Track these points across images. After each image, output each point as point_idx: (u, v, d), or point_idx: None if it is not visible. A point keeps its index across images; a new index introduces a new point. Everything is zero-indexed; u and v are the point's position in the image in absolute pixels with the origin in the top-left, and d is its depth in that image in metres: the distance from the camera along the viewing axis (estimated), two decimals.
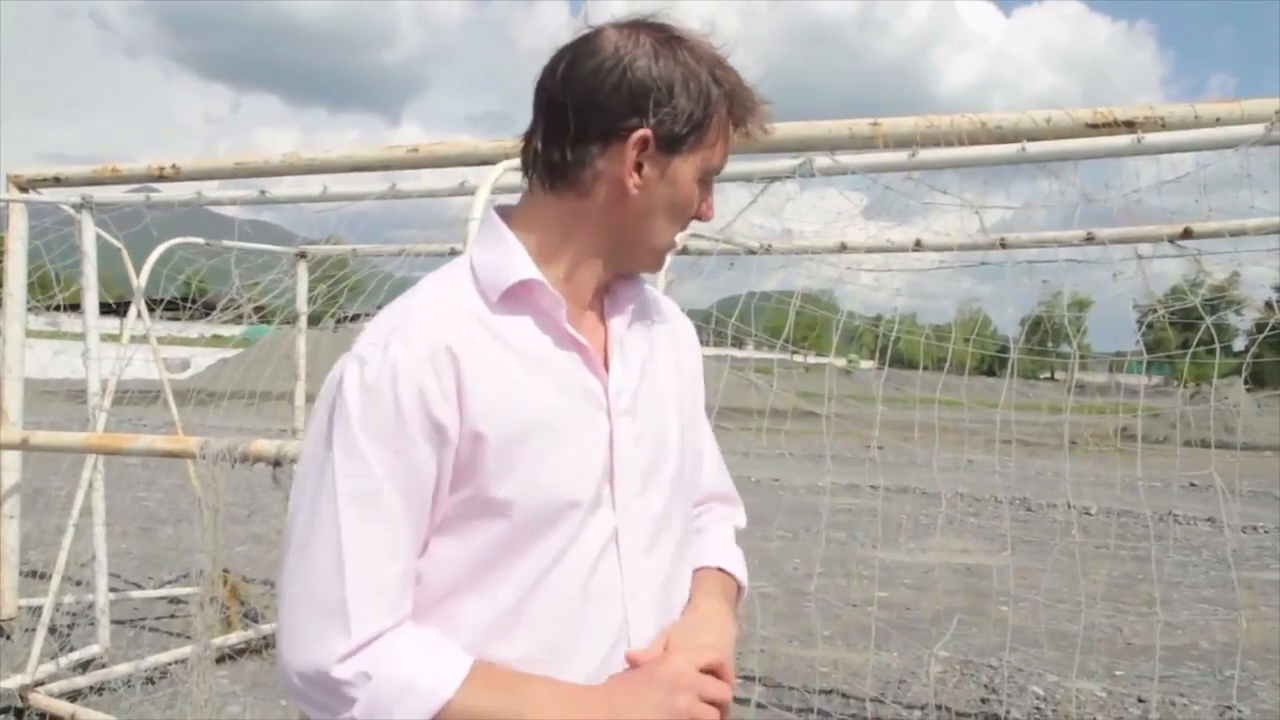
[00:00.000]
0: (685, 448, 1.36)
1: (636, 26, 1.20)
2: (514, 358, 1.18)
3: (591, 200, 1.21)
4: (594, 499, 1.20)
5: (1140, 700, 5.11)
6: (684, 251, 4.22)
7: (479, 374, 1.15)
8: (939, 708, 4.84)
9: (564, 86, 1.19)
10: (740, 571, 1.46)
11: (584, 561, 1.19)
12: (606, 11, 1.23)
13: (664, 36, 1.20)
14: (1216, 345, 3.90)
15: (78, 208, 4.67)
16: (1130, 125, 2.89)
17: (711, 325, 4.12)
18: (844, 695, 4.99)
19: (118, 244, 4.88)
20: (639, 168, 1.19)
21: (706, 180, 1.27)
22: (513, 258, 1.22)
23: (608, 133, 1.18)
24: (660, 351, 1.36)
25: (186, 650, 4.84)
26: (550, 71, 1.21)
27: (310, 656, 1.09)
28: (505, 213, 1.28)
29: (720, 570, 1.42)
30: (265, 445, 2.20)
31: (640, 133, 1.17)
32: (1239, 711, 5.07)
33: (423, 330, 1.15)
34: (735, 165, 3.65)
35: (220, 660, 5.14)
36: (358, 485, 1.11)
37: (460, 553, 1.17)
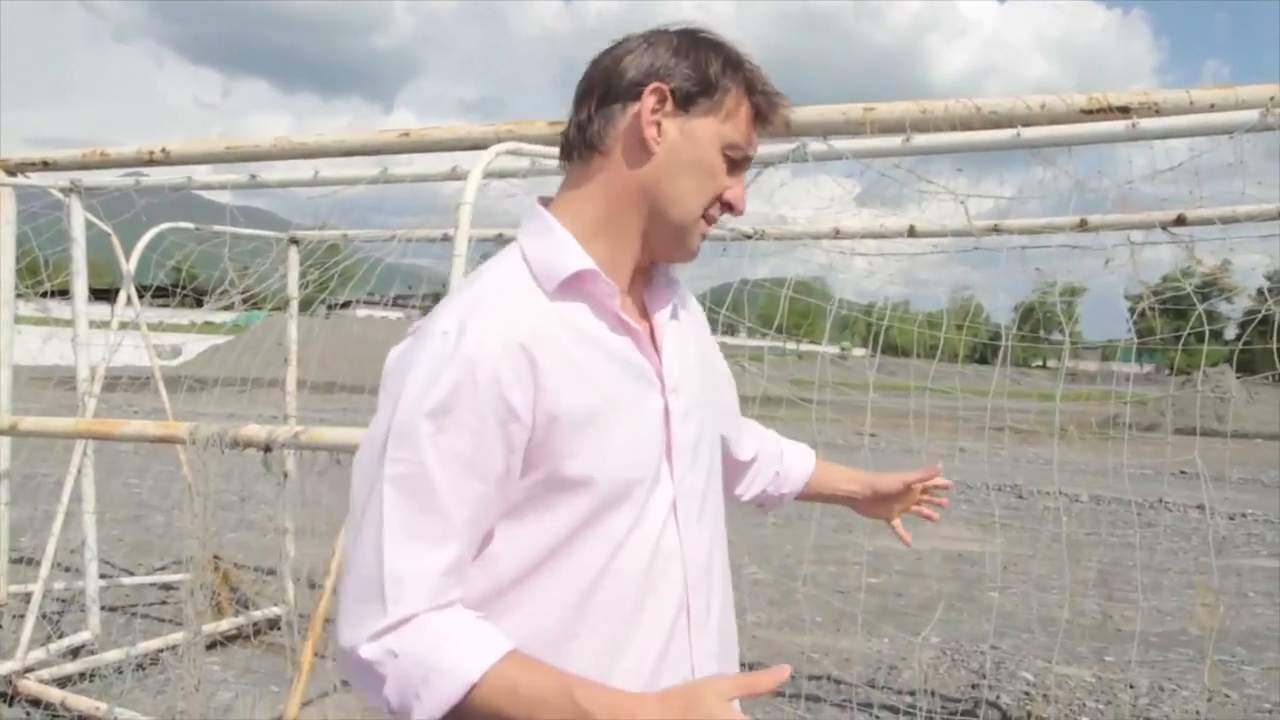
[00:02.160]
0: (714, 425, 1.45)
1: (668, 27, 1.34)
2: (579, 342, 1.24)
3: (615, 161, 1.28)
4: (655, 473, 1.28)
5: (1129, 686, 5.14)
6: None
7: (552, 359, 1.19)
8: (929, 693, 4.86)
9: (594, 64, 1.31)
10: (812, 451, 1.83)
11: (653, 530, 1.27)
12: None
13: (690, 30, 1.32)
14: (1205, 331, 3.90)
15: (66, 192, 4.63)
16: (1125, 111, 2.88)
17: (704, 312, 4.10)
18: (835, 681, 5.01)
19: (107, 229, 4.84)
20: (658, 125, 1.26)
21: (732, 159, 1.31)
22: (563, 247, 1.27)
23: (628, 91, 1.27)
24: (688, 337, 1.43)
25: (177, 637, 4.84)
26: (589, 64, 1.34)
27: (349, 635, 1.12)
28: (546, 202, 1.34)
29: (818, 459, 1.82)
30: (256, 430, 2.19)
31: (655, 84, 1.26)
32: (1226, 696, 5.11)
33: (497, 317, 1.19)
34: None
35: (211, 647, 5.13)
36: (406, 470, 1.13)
37: (534, 535, 1.21)
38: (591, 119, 1.28)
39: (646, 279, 1.39)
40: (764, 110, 1.32)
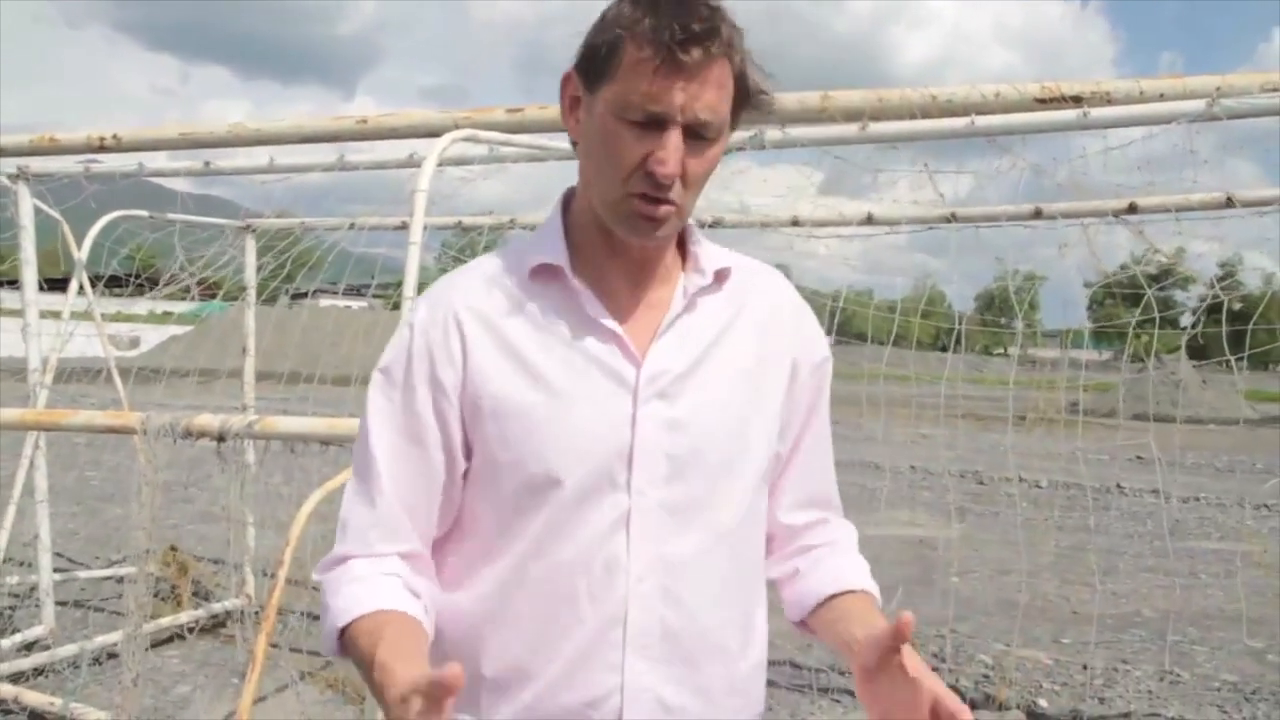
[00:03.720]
0: (755, 438, 1.28)
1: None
2: (529, 334, 1.23)
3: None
4: (603, 478, 1.20)
5: (1084, 667, 5.23)
6: None
7: (486, 344, 1.22)
8: None
9: None
10: (875, 588, 1.38)
11: (590, 536, 1.20)
12: None
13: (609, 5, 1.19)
14: (1156, 317, 3.97)
15: (13, 178, 4.54)
16: (1077, 100, 2.93)
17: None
18: (794, 665, 5.05)
19: (56, 216, 4.75)
20: (575, 113, 1.23)
21: (636, 121, 1.13)
22: (544, 238, 1.27)
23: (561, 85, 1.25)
24: (741, 334, 1.29)
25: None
26: None
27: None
28: (571, 192, 1.32)
29: (867, 593, 1.35)
30: (209, 420, 2.16)
31: (566, 73, 1.22)
32: (1177, 675, 5.22)
33: (450, 294, 1.26)
34: None
35: (170, 640, 5.08)
36: (368, 425, 1.25)
37: (481, 516, 1.25)
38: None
39: (687, 271, 1.28)
40: (659, 52, 1.09)
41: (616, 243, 1.24)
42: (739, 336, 1.29)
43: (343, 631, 1.17)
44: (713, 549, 1.25)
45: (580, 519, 1.21)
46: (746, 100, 1.19)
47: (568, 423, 1.21)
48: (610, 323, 1.23)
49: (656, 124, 1.13)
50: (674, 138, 1.13)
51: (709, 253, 1.30)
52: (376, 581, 1.20)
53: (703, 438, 1.24)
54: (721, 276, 1.29)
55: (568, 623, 1.21)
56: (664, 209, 1.17)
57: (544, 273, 1.25)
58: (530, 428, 1.21)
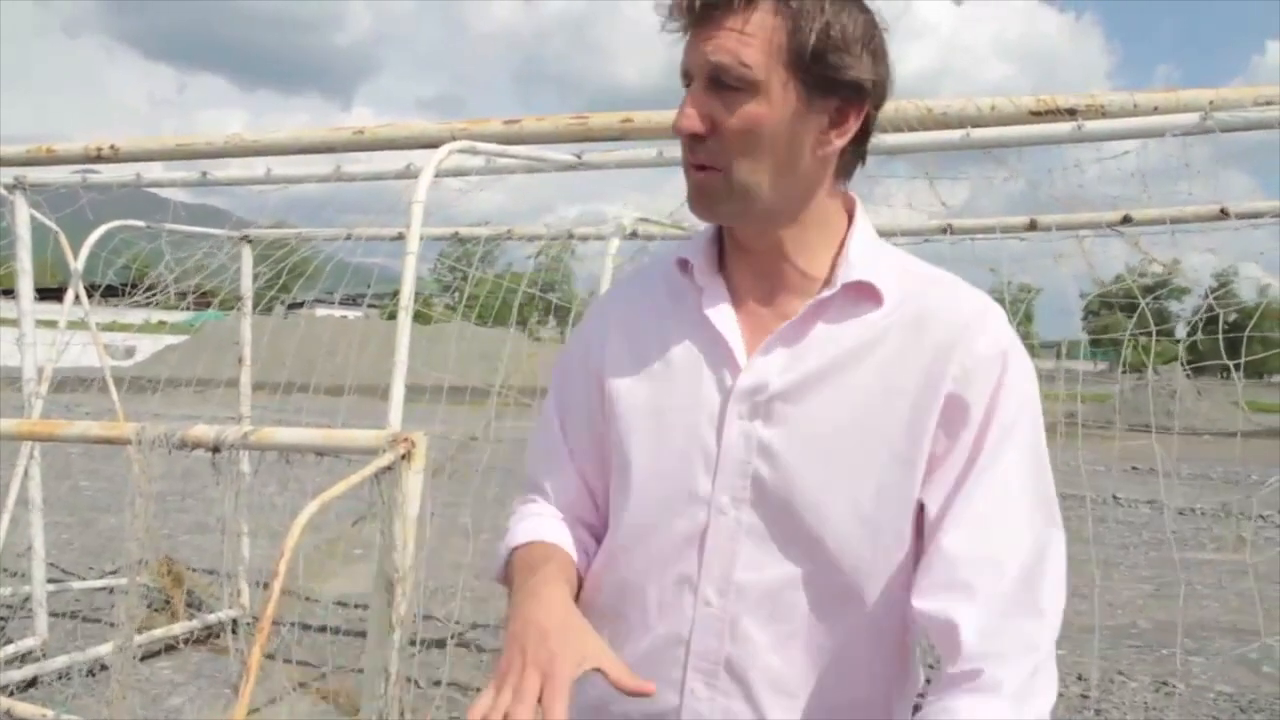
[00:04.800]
0: (866, 481, 1.11)
1: None
2: (652, 326, 1.24)
3: None
4: (681, 486, 1.16)
5: (1080, 678, 5.23)
6: (633, 235, 4.21)
7: (620, 334, 1.26)
8: None
9: None
10: None
11: (663, 545, 1.17)
12: None
13: None
14: (1153, 329, 3.98)
15: (10, 189, 4.54)
16: (1072, 113, 2.94)
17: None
18: None
19: (53, 226, 4.75)
20: None
21: (685, 86, 1.12)
22: (702, 233, 1.26)
23: None
24: (882, 361, 1.13)
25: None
26: None
27: None
28: None
29: None
30: (204, 431, 2.16)
31: None
32: (1173, 687, 5.22)
33: (616, 288, 1.40)
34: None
35: (165, 650, 5.06)
36: (545, 405, 1.36)
37: (610, 500, 1.27)
38: None
39: (829, 284, 1.16)
40: (671, 16, 1.11)
41: (738, 238, 1.20)
42: (877, 362, 1.13)
43: (512, 551, 1.25)
44: (794, 589, 1.13)
45: (662, 524, 1.17)
46: (804, 55, 1.07)
47: (661, 419, 1.18)
48: (722, 325, 1.17)
49: (689, 85, 1.11)
50: (690, 94, 1.10)
51: (857, 260, 1.16)
52: (552, 523, 1.28)
53: (793, 470, 1.12)
54: (860, 291, 1.14)
55: (636, 629, 1.19)
56: (702, 174, 1.11)
57: (684, 267, 1.23)
58: (630, 418, 1.21)
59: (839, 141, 1.12)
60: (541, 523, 1.28)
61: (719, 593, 1.14)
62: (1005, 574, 1.06)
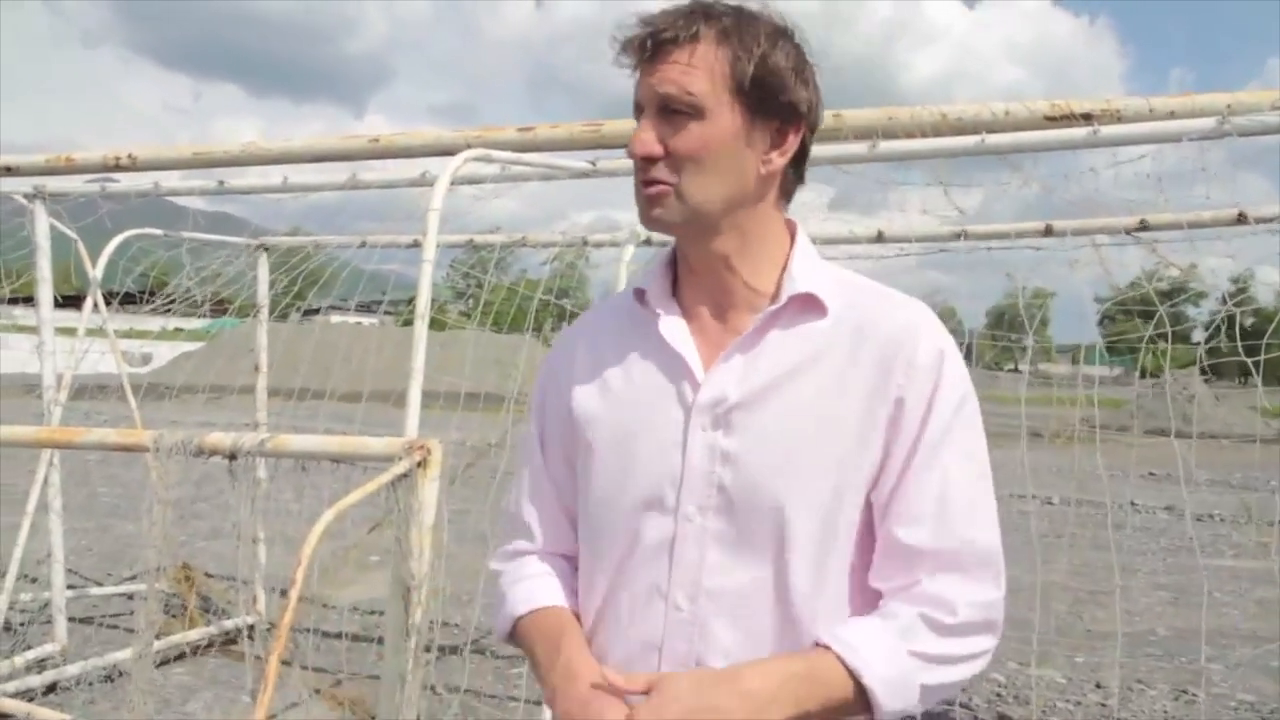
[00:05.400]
0: (823, 482, 1.19)
1: None
2: (613, 354, 1.32)
3: None
4: (650, 500, 1.24)
5: (1098, 686, 5.20)
6: (647, 242, 4.21)
7: (585, 364, 1.34)
8: None
9: None
10: (867, 668, 1.13)
11: (636, 557, 1.25)
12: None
13: None
14: (1169, 334, 3.95)
15: (30, 198, 4.58)
16: (1087, 118, 2.92)
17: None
18: None
19: (72, 235, 4.79)
20: None
21: (637, 116, 1.25)
22: (656, 263, 1.35)
23: None
24: (830, 367, 1.22)
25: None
26: None
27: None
28: None
29: (824, 648, 1.16)
30: (221, 438, 2.17)
31: None
32: (1193, 695, 5.17)
33: (584, 317, 1.45)
34: None
35: (181, 656, 5.08)
36: (524, 438, 1.43)
37: (581, 518, 1.35)
38: None
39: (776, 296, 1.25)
40: (623, 53, 1.23)
41: (689, 260, 1.29)
42: (826, 369, 1.22)
43: (516, 621, 1.33)
44: (761, 590, 1.20)
45: (632, 537, 1.25)
46: (743, 83, 1.19)
47: (626, 441, 1.26)
48: (679, 345, 1.26)
49: (639, 114, 1.24)
50: (642, 121, 1.22)
51: (799, 274, 1.26)
52: (546, 581, 1.36)
53: (755, 474, 1.20)
54: (806, 303, 1.24)
55: (613, 637, 1.27)
56: (653, 188, 1.22)
57: (640, 297, 1.32)
58: (597, 441, 1.29)
59: (780, 160, 1.24)
60: (536, 585, 1.36)
61: (689, 598, 1.21)
62: (951, 557, 1.19)
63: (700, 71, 1.18)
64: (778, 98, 1.21)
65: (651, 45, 1.20)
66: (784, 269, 1.27)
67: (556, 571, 1.37)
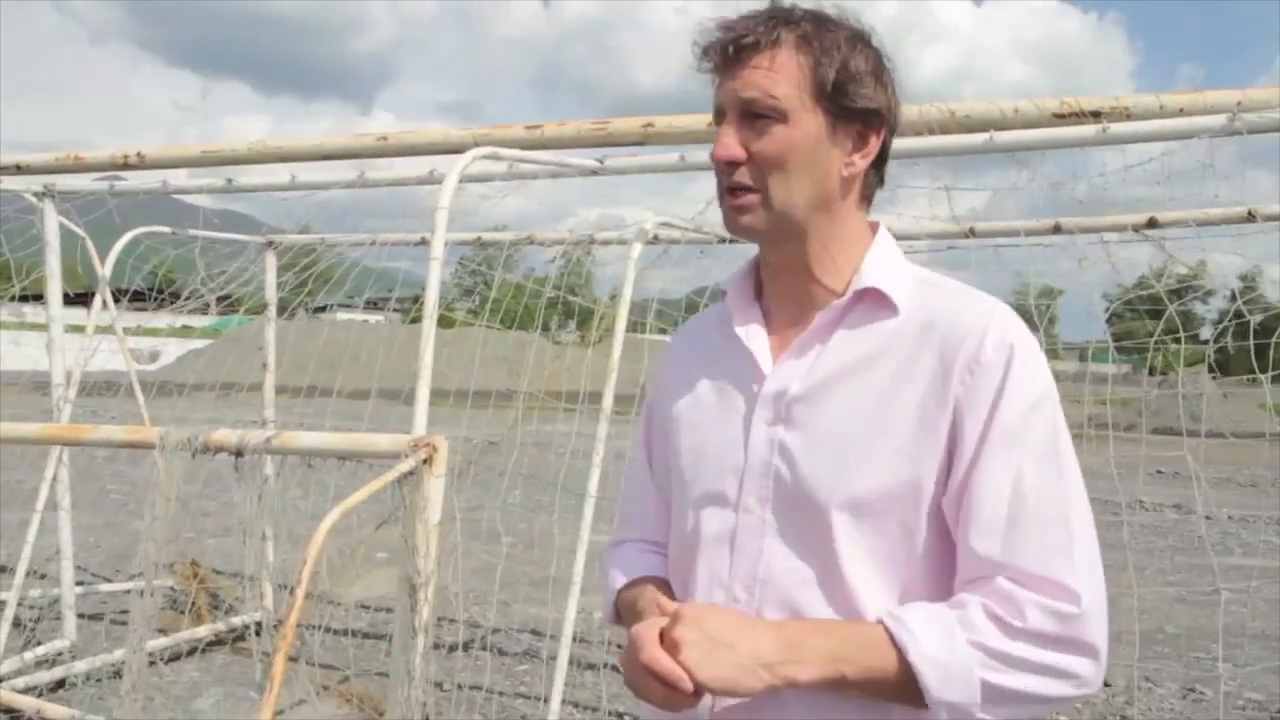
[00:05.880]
0: (883, 478, 1.17)
1: None
2: (700, 351, 1.39)
3: None
4: (714, 492, 1.27)
5: (1106, 684, 5.18)
6: (654, 240, 4.21)
7: (680, 362, 1.41)
8: None
9: None
10: (915, 644, 1.08)
11: (700, 548, 1.28)
12: None
13: None
14: (1181, 333, 3.94)
15: (39, 196, 4.60)
16: (1096, 115, 2.91)
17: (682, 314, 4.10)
18: None
19: (81, 233, 4.81)
20: None
21: (717, 122, 1.25)
22: (739, 270, 1.38)
23: None
24: (895, 365, 1.20)
25: (155, 644, 4.80)
26: None
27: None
28: None
29: (878, 623, 1.13)
30: (227, 435, 2.18)
31: None
32: (1202, 693, 5.16)
33: (681, 328, 1.51)
34: (705, 154, 3.65)
35: (190, 653, 5.10)
36: (635, 439, 1.51)
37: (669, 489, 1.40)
38: None
39: (845, 296, 1.25)
40: (706, 56, 1.24)
41: (771, 262, 1.31)
42: (888, 367, 1.20)
43: (618, 599, 1.40)
44: (812, 583, 1.19)
45: (699, 528, 1.28)
46: (826, 88, 1.19)
47: (698, 434, 1.32)
48: (750, 340, 1.29)
49: (720, 118, 1.24)
50: (724, 126, 1.22)
51: (870, 271, 1.24)
52: (641, 557, 1.43)
53: (808, 468, 1.20)
54: (876, 301, 1.23)
55: None
56: (740, 198, 1.22)
57: (725, 298, 1.37)
58: (678, 438, 1.35)
59: (862, 163, 1.25)
60: (631, 560, 1.44)
61: (746, 589, 1.23)
62: (1028, 570, 1.12)
63: (782, 76, 1.19)
64: (859, 101, 1.21)
65: (733, 50, 1.20)
66: (858, 268, 1.27)
67: (654, 550, 1.43)
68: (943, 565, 1.18)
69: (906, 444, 1.16)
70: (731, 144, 1.20)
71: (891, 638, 1.09)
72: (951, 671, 1.07)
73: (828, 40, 1.20)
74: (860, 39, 1.23)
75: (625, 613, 1.39)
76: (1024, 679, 1.08)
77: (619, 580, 1.42)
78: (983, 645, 1.08)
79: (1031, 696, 1.09)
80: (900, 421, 1.17)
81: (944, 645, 1.08)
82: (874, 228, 1.31)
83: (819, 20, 1.22)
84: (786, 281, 1.29)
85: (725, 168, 1.22)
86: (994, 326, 1.18)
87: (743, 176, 1.21)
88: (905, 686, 1.08)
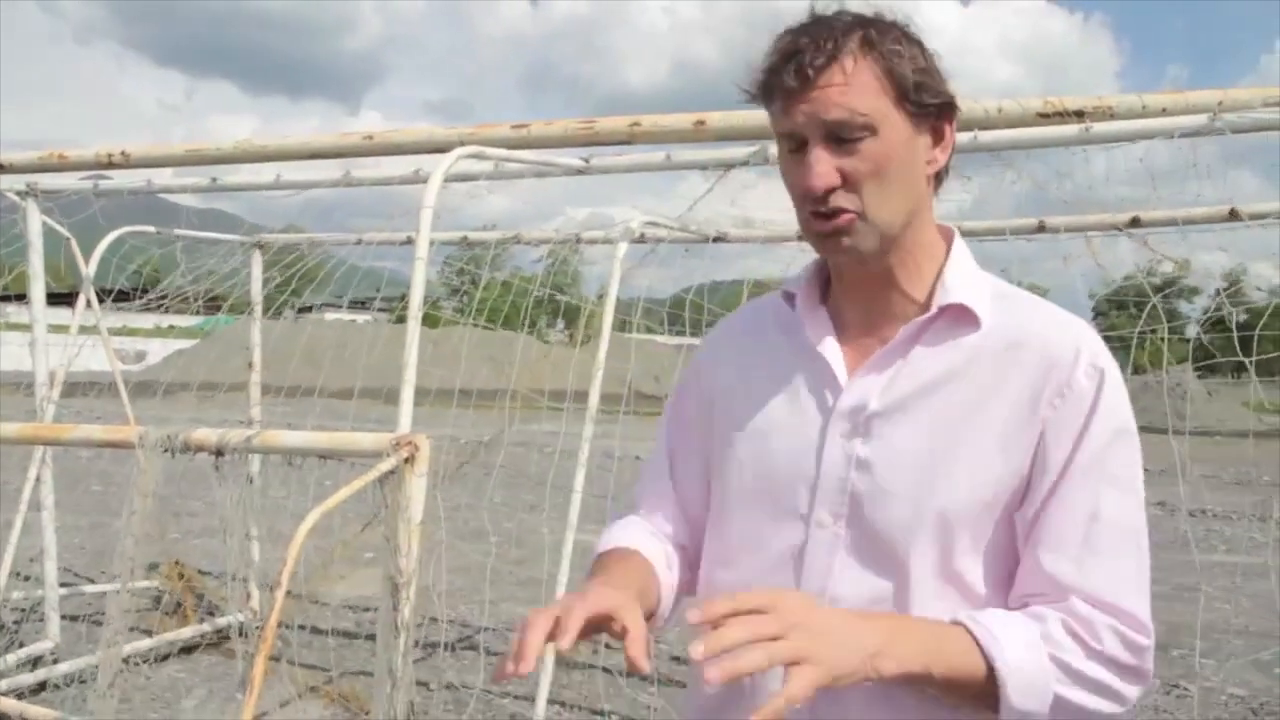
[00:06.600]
0: (962, 496, 1.15)
1: None
2: (759, 354, 1.32)
3: None
4: (783, 504, 1.22)
5: None
6: (641, 239, 4.21)
7: (730, 362, 1.35)
8: None
9: None
10: (1001, 653, 1.07)
11: (764, 560, 1.23)
12: None
13: None
14: (1165, 329, 3.96)
15: (23, 195, 4.56)
16: (1079, 115, 2.92)
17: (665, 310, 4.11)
18: None
19: (65, 233, 4.78)
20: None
21: (793, 150, 1.17)
22: (808, 267, 1.33)
23: None
24: (978, 382, 1.18)
25: (140, 645, 4.78)
26: None
27: None
28: None
29: (957, 624, 1.11)
30: (206, 434, 2.16)
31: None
32: (1185, 689, 5.19)
33: (729, 318, 1.45)
34: (692, 153, 3.65)
35: (175, 653, 5.08)
36: (658, 431, 1.44)
37: (712, 513, 1.34)
38: None
39: (925, 310, 1.21)
40: (772, 84, 1.16)
41: (841, 270, 1.26)
42: (972, 384, 1.18)
43: (595, 560, 1.32)
44: (884, 601, 1.17)
45: (763, 539, 1.24)
46: (907, 89, 1.14)
47: (762, 443, 1.26)
48: (825, 350, 1.24)
49: (800, 147, 1.16)
50: (813, 153, 1.14)
51: (953, 285, 1.21)
52: (636, 527, 1.37)
53: (887, 484, 1.17)
54: (958, 314, 1.20)
55: None
56: (840, 219, 1.15)
57: (790, 300, 1.31)
58: (736, 441, 1.28)
59: (942, 156, 1.21)
60: (624, 531, 1.37)
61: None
62: (1094, 594, 1.13)
63: (862, 88, 1.12)
64: (937, 97, 1.17)
65: (806, 72, 1.12)
66: (938, 277, 1.22)
67: (652, 535, 1.37)
68: (1000, 578, 1.18)
69: (988, 463, 1.16)
70: (827, 171, 1.13)
71: (976, 642, 1.09)
72: (1032, 682, 1.08)
73: (886, 40, 1.14)
74: (906, 32, 1.17)
75: (594, 569, 1.30)
76: (1088, 697, 1.11)
77: (604, 542, 1.35)
78: (1062, 661, 1.10)
79: (1086, 712, 1.11)
80: (982, 440, 1.16)
81: (1028, 656, 1.08)
82: (947, 233, 1.28)
83: (867, 22, 1.15)
84: (867, 289, 1.24)
85: (815, 197, 1.15)
86: (1085, 352, 1.17)
87: (838, 200, 1.14)
88: (983, 690, 1.08)
